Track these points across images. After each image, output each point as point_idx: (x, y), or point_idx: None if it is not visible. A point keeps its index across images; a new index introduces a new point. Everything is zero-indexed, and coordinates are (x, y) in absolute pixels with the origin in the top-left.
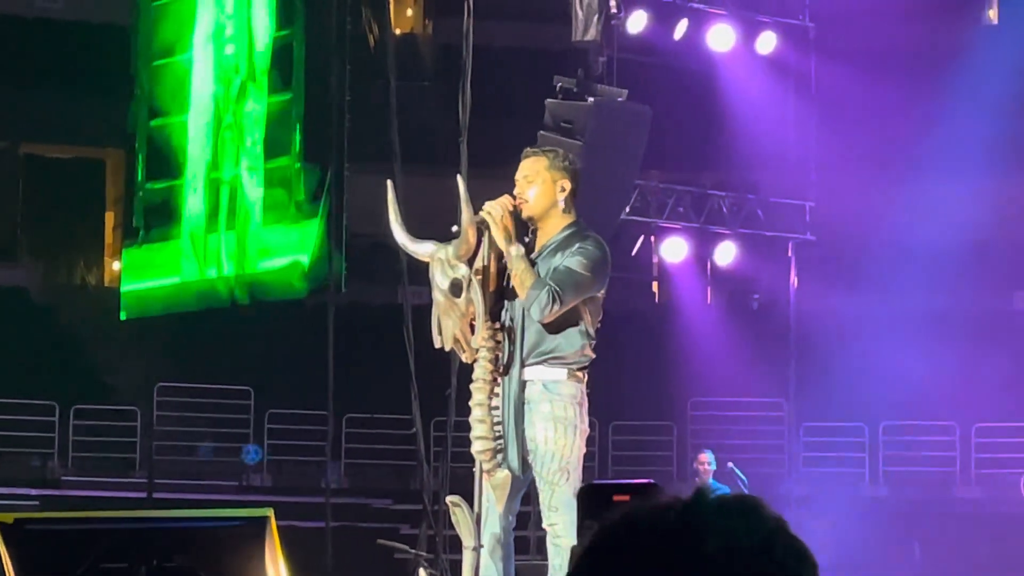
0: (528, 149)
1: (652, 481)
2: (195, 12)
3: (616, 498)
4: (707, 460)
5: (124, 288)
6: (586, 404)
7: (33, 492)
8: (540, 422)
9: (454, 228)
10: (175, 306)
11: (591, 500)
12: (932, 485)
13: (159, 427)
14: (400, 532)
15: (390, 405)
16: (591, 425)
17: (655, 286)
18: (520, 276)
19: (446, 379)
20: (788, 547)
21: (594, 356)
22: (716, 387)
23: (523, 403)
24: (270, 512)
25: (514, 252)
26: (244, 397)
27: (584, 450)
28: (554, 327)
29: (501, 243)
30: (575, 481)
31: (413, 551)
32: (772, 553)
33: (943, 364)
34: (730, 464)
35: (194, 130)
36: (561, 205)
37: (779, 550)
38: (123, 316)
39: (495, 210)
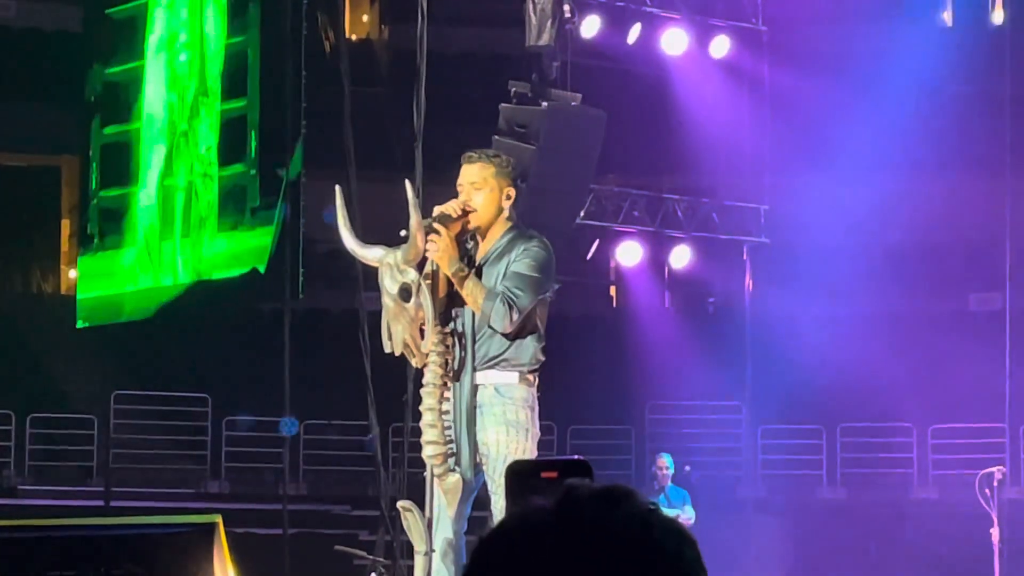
0: (471, 153)
1: (581, 457)
2: (148, 20)
3: (544, 474)
4: (665, 464)
5: (80, 296)
6: (537, 408)
7: None
8: (492, 426)
9: (403, 232)
10: (131, 314)
11: (520, 478)
12: (889, 487)
13: (116, 435)
14: (359, 538)
15: (348, 411)
16: (550, 429)
17: (612, 290)
18: (471, 293)
19: (403, 385)
20: (665, 528)
21: (544, 359)
22: (674, 390)
23: (475, 407)
24: (218, 518)
25: (459, 274)
26: (201, 404)
27: (536, 454)
28: (510, 333)
29: (445, 267)
30: None
31: (371, 557)
32: (650, 535)
33: (899, 366)
34: (686, 467)
35: (148, 137)
36: (507, 213)
37: (657, 532)
38: (80, 324)
39: (448, 210)
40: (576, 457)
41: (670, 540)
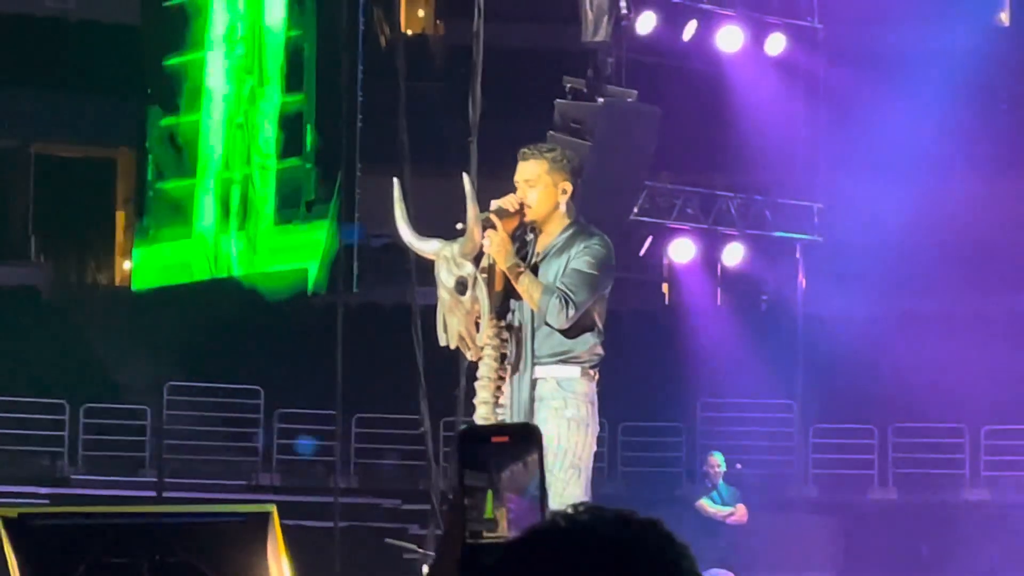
0: (525, 150)
1: (531, 424)
2: (206, 12)
3: (495, 439)
4: (717, 462)
5: (135, 287)
6: (596, 403)
7: (43, 491)
8: (553, 419)
9: (459, 226)
10: (185, 304)
11: (470, 443)
12: (941, 488)
13: (168, 426)
14: (409, 532)
15: (399, 405)
16: (601, 425)
17: (664, 287)
18: (527, 289)
19: (455, 379)
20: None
21: (603, 353)
22: (725, 388)
23: (534, 401)
24: (273, 508)
25: (516, 270)
26: (254, 396)
27: (595, 448)
28: (568, 329)
29: (501, 262)
30: (586, 479)
31: (421, 551)
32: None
33: (952, 366)
34: (738, 465)
35: (205, 130)
36: (563, 208)
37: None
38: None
39: (505, 205)
40: (526, 424)
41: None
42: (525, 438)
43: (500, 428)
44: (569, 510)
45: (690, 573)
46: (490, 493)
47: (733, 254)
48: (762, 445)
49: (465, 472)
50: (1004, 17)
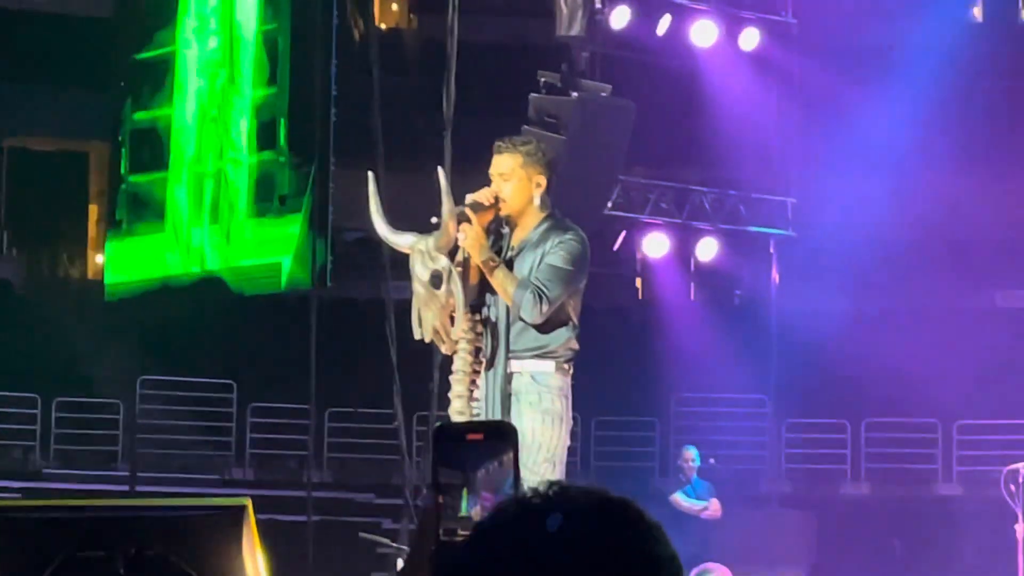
0: (500, 143)
1: (508, 422)
2: (179, 6)
3: (470, 437)
4: (691, 457)
5: (107, 281)
6: (571, 397)
7: (15, 484)
8: (528, 413)
9: (434, 220)
10: (158, 298)
11: (445, 441)
12: (914, 482)
13: (142, 420)
14: (382, 526)
15: (373, 399)
16: (574, 420)
17: (638, 282)
18: (501, 283)
19: (428, 373)
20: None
21: (578, 348)
22: (699, 383)
23: (509, 395)
24: (248, 501)
25: (490, 263)
26: (227, 391)
27: (569, 443)
28: (543, 323)
29: (475, 256)
30: (560, 473)
31: (395, 545)
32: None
33: (925, 362)
34: (711, 460)
35: (178, 123)
36: (537, 202)
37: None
38: (108, 299)
39: (480, 199)
40: (500, 421)
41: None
42: (500, 436)
43: (475, 426)
44: (540, 488)
45: (665, 549)
46: (465, 491)
47: (707, 249)
48: (735, 440)
49: (440, 470)
50: (977, 12)
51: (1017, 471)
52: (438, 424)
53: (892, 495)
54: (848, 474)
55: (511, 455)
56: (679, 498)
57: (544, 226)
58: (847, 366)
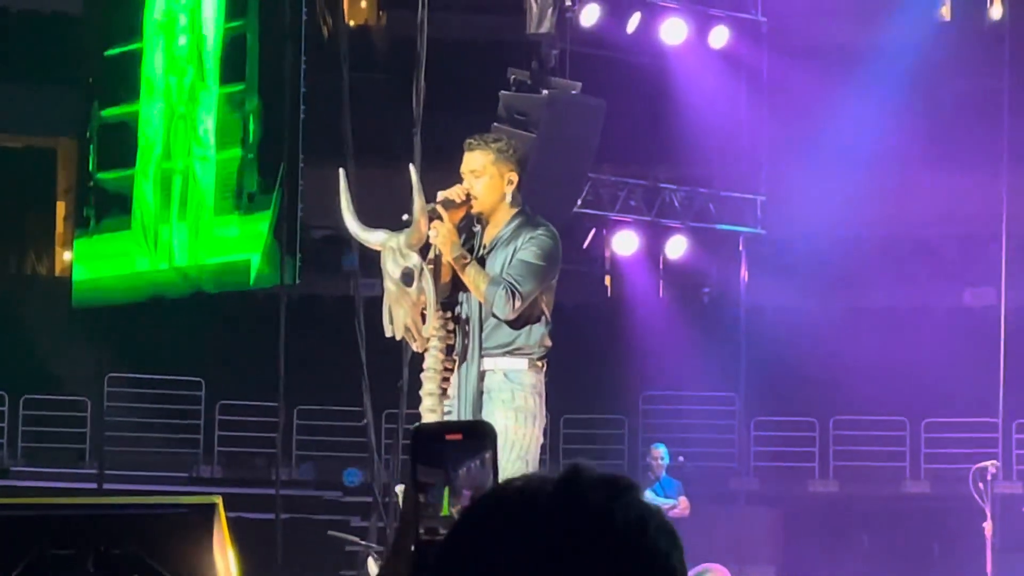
0: (471, 140)
1: (487, 422)
2: (148, 2)
3: (448, 436)
4: (660, 454)
5: (76, 278)
6: (544, 394)
7: None
8: (501, 411)
9: (405, 217)
10: (126, 296)
11: (425, 440)
12: (882, 480)
13: (109, 417)
14: (351, 524)
15: (342, 397)
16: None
17: (607, 279)
18: (473, 280)
19: (398, 371)
20: (660, 527)
21: (551, 344)
22: (668, 381)
23: (481, 392)
24: (218, 499)
25: (462, 260)
26: (195, 388)
27: (542, 440)
28: (515, 320)
29: (446, 253)
30: (533, 471)
31: (364, 543)
32: (645, 532)
33: (893, 359)
34: (680, 458)
35: (146, 120)
36: (509, 199)
37: (651, 530)
38: (75, 304)
39: (451, 196)
40: (479, 420)
41: (663, 541)
42: (479, 435)
43: (453, 426)
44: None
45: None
46: (447, 490)
47: (676, 247)
48: (704, 437)
49: (419, 468)
50: (945, 12)
51: (985, 469)
52: (416, 424)
53: (861, 493)
54: (817, 472)
55: (491, 454)
56: (648, 496)
57: (515, 223)
58: (816, 364)
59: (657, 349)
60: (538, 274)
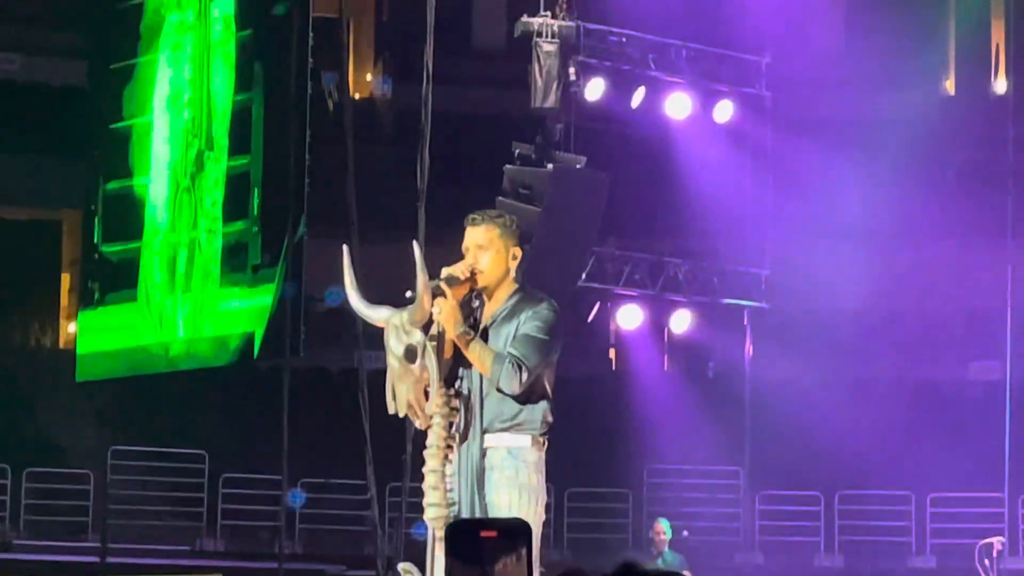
0: (475, 216)
1: (522, 519)
2: (154, 77)
3: (484, 534)
4: (662, 529)
5: (80, 351)
6: (544, 471)
7: None
8: (505, 488)
9: (408, 293)
10: (130, 369)
11: (458, 538)
12: (888, 555)
13: (112, 491)
14: None
15: (345, 470)
16: (547, 491)
17: (611, 353)
18: (478, 357)
19: (401, 445)
20: None
21: (552, 420)
22: (672, 454)
23: (484, 469)
24: None
25: (465, 337)
26: (198, 461)
27: (544, 517)
28: (518, 396)
29: (450, 330)
30: (535, 548)
31: None
32: None
33: (898, 433)
34: (684, 532)
35: (151, 193)
36: (513, 274)
37: None
38: (78, 379)
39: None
40: (517, 518)
41: None
42: (514, 533)
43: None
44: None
45: None
46: None
47: (681, 321)
48: (708, 512)
49: (455, 565)
50: (950, 85)
51: (991, 544)
52: (451, 522)
53: (866, 568)
54: (822, 546)
55: (526, 550)
56: None
57: (516, 298)
58: (820, 438)
59: (662, 423)
60: (543, 348)
